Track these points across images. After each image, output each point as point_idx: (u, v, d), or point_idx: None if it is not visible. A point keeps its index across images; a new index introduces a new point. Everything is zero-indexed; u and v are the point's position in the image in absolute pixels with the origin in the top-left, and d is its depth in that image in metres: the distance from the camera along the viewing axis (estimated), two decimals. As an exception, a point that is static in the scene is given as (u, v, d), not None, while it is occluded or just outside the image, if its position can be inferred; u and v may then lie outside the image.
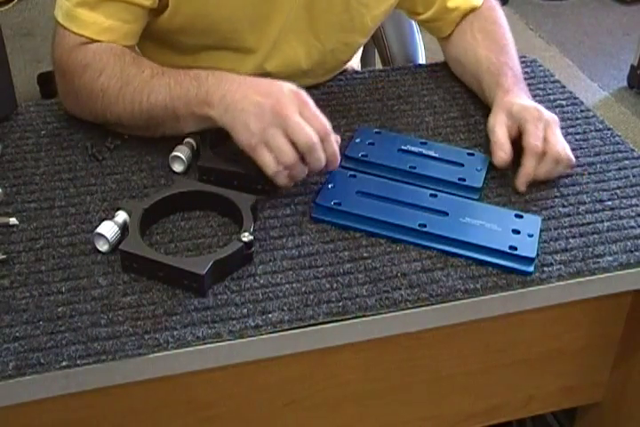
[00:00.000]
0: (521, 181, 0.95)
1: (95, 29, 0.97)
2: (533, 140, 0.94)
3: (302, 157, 0.87)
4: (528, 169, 0.94)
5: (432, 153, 0.99)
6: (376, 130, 1.03)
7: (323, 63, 1.13)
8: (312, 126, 0.87)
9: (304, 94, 0.89)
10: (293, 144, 0.86)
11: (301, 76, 1.11)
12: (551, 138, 0.95)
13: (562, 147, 0.95)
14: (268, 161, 0.86)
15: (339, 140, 0.91)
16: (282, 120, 0.86)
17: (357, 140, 1.00)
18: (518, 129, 0.97)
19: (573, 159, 0.96)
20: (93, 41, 0.97)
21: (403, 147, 0.99)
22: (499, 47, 1.10)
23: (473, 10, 1.16)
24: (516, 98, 1.01)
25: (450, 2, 1.15)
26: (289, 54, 1.08)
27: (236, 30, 1.04)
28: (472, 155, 1.00)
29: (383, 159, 0.97)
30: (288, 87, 0.89)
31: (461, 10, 1.16)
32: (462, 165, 0.98)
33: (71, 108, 1.03)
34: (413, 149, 0.99)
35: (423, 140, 1.01)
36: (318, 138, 0.86)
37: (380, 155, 0.98)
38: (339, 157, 0.90)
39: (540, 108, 0.99)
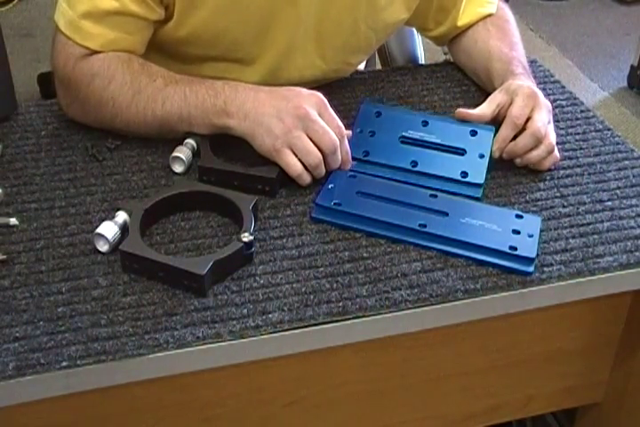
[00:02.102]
0: (495, 147, 0.97)
1: (100, 41, 0.97)
2: (515, 110, 0.97)
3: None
4: (502, 135, 0.96)
5: (434, 138, 0.99)
6: (377, 109, 1.03)
7: (324, 79, 1.13)
8: (330, 128, 0.90)
9: (321, 96, 0.93)
10: (316, 145, 0.90)
11: (300, 85, 1.11)
12: (535, 116, 0.97)
13: (543, 126, 0.96)
14: (293, 163, 0.90)
15: (349, 134, 0.96)
16: (304, 123, 0.89)
17: (358, 131, 1.00)
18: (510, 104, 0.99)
19: (554, 143, 0.97)
20: (99, 52, 0.97)
21: (404, 133, 0.99)
22: (510, 42, 1.12)
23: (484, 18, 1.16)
24: (519, 82, 1.02)
25: (460, 20, 1.16)
26: (292, 71, 1.09)
27: (238, 42, 1.04)
28: (475, 134, 0.99)
29: (384, 157, 0.97)
30: (306, 90, 0.93)
31: (473, 22, 1.16)
32: (464, 151, 0.97)
33: (75, 115, 1.02)
34: (415, 135, 0.99)
35: (425, 118, 1.01)
36: (338, 140, 0.91)
37: (381, 150, 0.98)
38: (350, 158, 0.94)
39: (538, 91, 1.00)
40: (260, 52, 1.06)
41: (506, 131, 0.97)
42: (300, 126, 0.89)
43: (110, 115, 0.97)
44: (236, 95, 0.93)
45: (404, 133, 0.99)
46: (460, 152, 0.98)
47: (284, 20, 1.03)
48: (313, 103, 0.91)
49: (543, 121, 0.97)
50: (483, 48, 1.12)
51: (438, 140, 0.99)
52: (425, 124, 1.01)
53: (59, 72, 0.99)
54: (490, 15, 1.16)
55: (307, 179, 0.92)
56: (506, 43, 1.11)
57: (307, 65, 1.09)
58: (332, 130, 0.91)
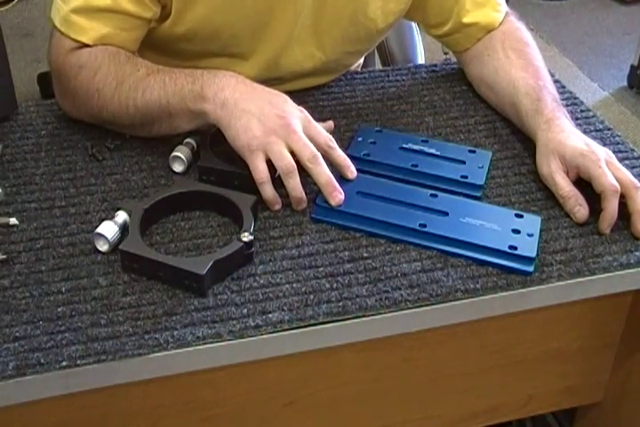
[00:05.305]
0: (607, 225, 0.89)
1: (93, 36, 0.97)
2: (606, 181, 0.89)
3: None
4: (612, 211, 0.89)
5: (433, 151, 0.99)
6: (377, 128, 1.04)
7: (325, 69, 1.13)
8: (318, 140, 0.89)
9: (306, 113, 0.91)
10: (295, 156, 0.87)
11: (301, 77, 1.11)
12: (619, 174, 0.91)
13: (629, 174, 0.91)
14: (263, 169, 0.87)
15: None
16: (287, 133, 0.87)
17: (359, 139, 1.00)
18: (576, 173, 0.92)
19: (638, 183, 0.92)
20: (90, 46, 0.98)
21: (404, 145, 1.00)
22: (534, 69, 1.05)
23: (494, 25, 1.11)
24: (561, 133, 0.95)
25: (466, 18, 1.10)
26: (291, 64, 1.08)
27: (236, 36, 1.04)
28: (473, 152, 1.00)
29: (385, 158, 0.97)
30: (292, 102, 0.91)
31: (481, 26, 1.11)
32: (464, 162, 0.98)
33: (68, 109, 1.03)
34: (415, 147, 1.00)
35: (424, 138, 1.01)
36: (320, 155, 0.88)
37: (381, 153, 0.98)
38: (350, 163, 0.92)
39: (591, 144, 0.94)
40: (258, 46, 1.06)
41: (612, 205, 0.89)
42: (280, 134, 0.87)
43: (97, 107, 0.97)
44: (213, 80, 0.91)
45: (404, 145, 1.00)
46: (461, 162, 0.98)
47: (282, 13, 1.02)
48: (297, 116, 0.89)
49: (625, 171, 0.92)
50: (505, 79, 1.06)
51: (438, 153, 0.99)
52: (425, 141, 1.01)
53: (51, 65, 1.00)
54: (497, 23, 1.11)
55: (270, 191, 0.88)
56: (530, 72, 1.04)
57: (306, 57, 1.08)
58: (320, 141, 0.89)
